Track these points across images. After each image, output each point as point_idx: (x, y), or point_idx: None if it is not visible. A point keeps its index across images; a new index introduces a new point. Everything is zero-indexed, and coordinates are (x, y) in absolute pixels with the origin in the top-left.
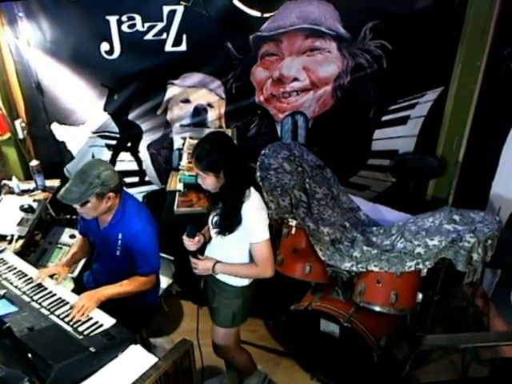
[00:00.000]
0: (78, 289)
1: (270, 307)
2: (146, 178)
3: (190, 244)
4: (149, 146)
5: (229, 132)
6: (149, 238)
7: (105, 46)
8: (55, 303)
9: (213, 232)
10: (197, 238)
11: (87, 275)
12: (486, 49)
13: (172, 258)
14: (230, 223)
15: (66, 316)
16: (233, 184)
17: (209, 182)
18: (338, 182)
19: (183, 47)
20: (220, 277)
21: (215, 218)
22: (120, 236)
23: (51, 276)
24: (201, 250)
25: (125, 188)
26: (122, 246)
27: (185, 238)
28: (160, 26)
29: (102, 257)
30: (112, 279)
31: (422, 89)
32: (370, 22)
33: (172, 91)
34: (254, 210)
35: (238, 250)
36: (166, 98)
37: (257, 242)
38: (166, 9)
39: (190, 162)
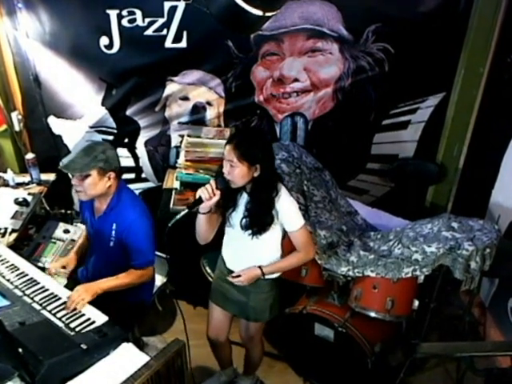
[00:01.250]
0: (72, 284)
1: None
2: (143, 175)
3: (210, 192)
4: (146, 143)
5: (227, 131)
6: (143, 230)
7: (104, 40)
8: (47, 298)
9: (245, 235)
10: (219, 192)
11: (81, 271)
12: (490, 55)
13: (166, 256)
14: (264, 221)
15: (58, 311)
16: (268, 179)
17: (238, 172)
18: (337, 185)
19: (183, 44)
20: (263, 278)
21: (243, 221)
22: (114, 226)
23: (43, 270)
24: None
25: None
26: (115, 237)
27: (212, 183)
28: (160, 21)
29: (97, 249)
30: (106, 272)
31: (423, 94)
32: (373, 24)
33: (171, 88)
34: (288, 200)
35: (269, 247)
36: (164, 94)
37: (298, 229)
38: (167, 4)
39: (187, 160)
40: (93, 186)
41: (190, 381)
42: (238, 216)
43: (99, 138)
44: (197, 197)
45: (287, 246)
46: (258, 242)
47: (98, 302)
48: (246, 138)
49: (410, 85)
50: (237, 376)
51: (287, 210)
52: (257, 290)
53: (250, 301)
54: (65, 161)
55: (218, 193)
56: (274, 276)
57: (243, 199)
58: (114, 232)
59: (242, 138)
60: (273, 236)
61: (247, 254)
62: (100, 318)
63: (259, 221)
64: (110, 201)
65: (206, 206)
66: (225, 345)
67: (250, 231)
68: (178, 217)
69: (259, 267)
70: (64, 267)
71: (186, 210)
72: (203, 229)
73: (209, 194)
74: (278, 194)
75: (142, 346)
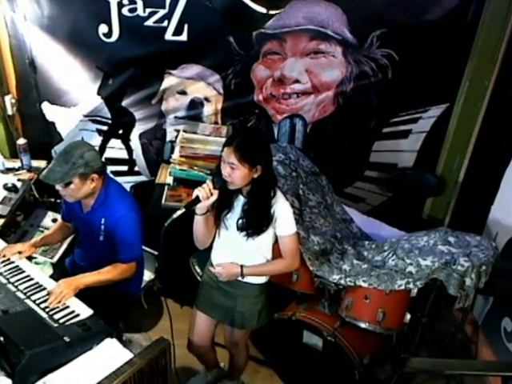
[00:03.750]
0: (59, 274)
1: None
2: (136, 168)
3: (207, 191)
4: (141, 136)
5: (224, 129)
6: (131, 224)
7: (103, 28)
8: (32, 288)
9: (240, 237)
10: (217, 191)
11: (69, 260)
12: (496, 69)
13: (156, 252)
14: (262, 223)
15: (43, 302)
16: (267, 180)
17: (239, 174)
18: (333, 191)
19: (184, 37)
20: (242, 278)
21: (240, 222)
22: (103, 221)
23: (29, 259)
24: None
25: (111, 175)
26: (105, 231)
27: (209, 182)
28: (162, 12)
29: (85, 242)
30: (94, 265)
31: (426, 103)
32: (378, 29)
33: (169, 81)
34: (285, 203)
35: (262, 249)
36: (162, 87)
37: (289, 235)
38: None
39: (182, 156)
40: (77, 191)
41: (174, 381)
42: (233, 217)
43: (93, 127)
44: (193, 196)
45: (277, 252)
46: (252, 243)
47: (85, 290)
48: (247, 139)
49: (413, 93)
50: (224, 375)
51: (283, 213)
52: (245, 295)
53: (237, 306)
54: (44, 172)
55: (215, 192)
56: (263, 280)
57: (239, 201)
58: (103, 226)
59: (243, 140)
60: (267, 238)
61: (240, 256)
62: (85, 311)
63: (257, 222)
64: (98, 197)
65: (203, 206)
66: (208, 351)
67: (245, 232)
68: (175, 216)
69: (241, 266)
70: (20, 252)
71: (183, 210)
72: (201, 232)
73: (206, 194)
74: (275, 196)
75: (121, 337)
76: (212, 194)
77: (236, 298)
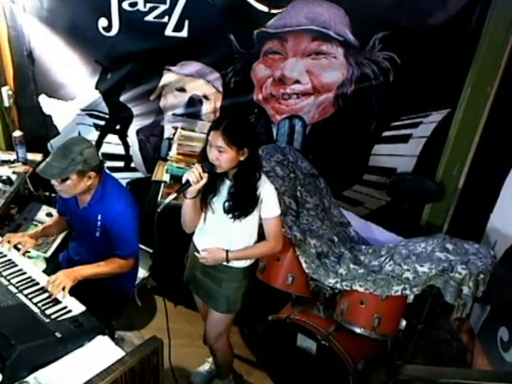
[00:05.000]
0: (52, 269)
1: (246, 314)
2: (132, 165)
3: (197, 175)
4: (138, 132)
5: None
6: (128, 220)
7: (103, 22)
8: (25, 282)
9: (226, 219)
10: (206, 175)
11: (63, 255)
12: (498, 76)
13: (151, 250)
14: (248, 204)
15: (35, 296)
16: (254, 162)
17: (226, 157)
18: (331, 194)
19: (184, 33)
20: (227, 263)
21: (227, 204)
22: (99, 217)
23: (23, 253)
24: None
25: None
26: (101, 227)
27: (198, 166)
28: (162, 8)
29: (81, 237)
30: (89, 260)
31: (427, 108)
32: (381, 32)
33: (168, 78)
34: (270, 185)
35: (248, 231)
36: (161, 83)
37: (273, 217)
38: None
39: (179, 154)
40: (73, 188)
41: (171, 379)
42: (220, 200)
43: (90, 121)
44: (184, 181)
45: (268, 257)
46: (238, 226)
47: (79, 286)
48: (233, 122)
49: (414, 98)
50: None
51: (269, 195)
52: (230, 279)
53: (223, 290)
54: (42, 166)
55: (205, 176)
56: (247, 264)
57: (225, 185)
58: (99, 223)
59: (230, 123)
60: (252, 222)
61: (225, 240)
62: (77, 307)
63: (244, 204)
64: (94, 193)
65: (193, 189)
66: None
67: (232, 214)
68: (167, 201)
69: (226, 251)
70: (18, 248)
71: (175, 194)
72: (189, 215)
73: (196, 178)
74: (260, 178)
75: (115, 338)
76: (202, 178)
77: (221, 282)
